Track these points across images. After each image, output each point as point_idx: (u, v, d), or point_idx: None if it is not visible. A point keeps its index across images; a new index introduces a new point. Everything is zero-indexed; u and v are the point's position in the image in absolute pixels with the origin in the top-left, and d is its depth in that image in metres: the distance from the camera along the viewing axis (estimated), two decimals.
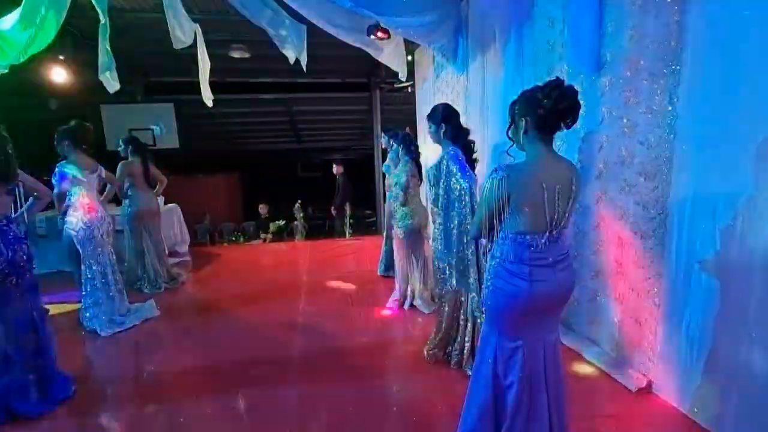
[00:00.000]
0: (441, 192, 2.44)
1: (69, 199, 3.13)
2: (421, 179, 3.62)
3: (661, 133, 2.12)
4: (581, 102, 1.52)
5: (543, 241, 1.52)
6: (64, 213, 3.15)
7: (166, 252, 4.74)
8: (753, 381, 1.75)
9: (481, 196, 1.59)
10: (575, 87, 1.50)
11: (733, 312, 1.82)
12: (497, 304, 1.60)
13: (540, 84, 1.53)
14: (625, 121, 2.31)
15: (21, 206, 2.39)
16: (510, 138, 1.64)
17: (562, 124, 1.51)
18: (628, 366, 2.40)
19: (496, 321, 1.64)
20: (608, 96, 2.42)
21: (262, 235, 8.86)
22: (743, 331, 1.77)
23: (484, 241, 1.73)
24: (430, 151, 4.85)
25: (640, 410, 2.17)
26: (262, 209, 9.38)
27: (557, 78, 1.52)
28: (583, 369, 2.54)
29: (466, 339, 2.51)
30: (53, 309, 2.67)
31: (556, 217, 1.51)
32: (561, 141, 2.82)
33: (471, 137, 2.64)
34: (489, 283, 1.63)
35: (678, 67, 2.00)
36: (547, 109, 1.46)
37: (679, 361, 2.09)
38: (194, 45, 3.94)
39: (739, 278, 1.79)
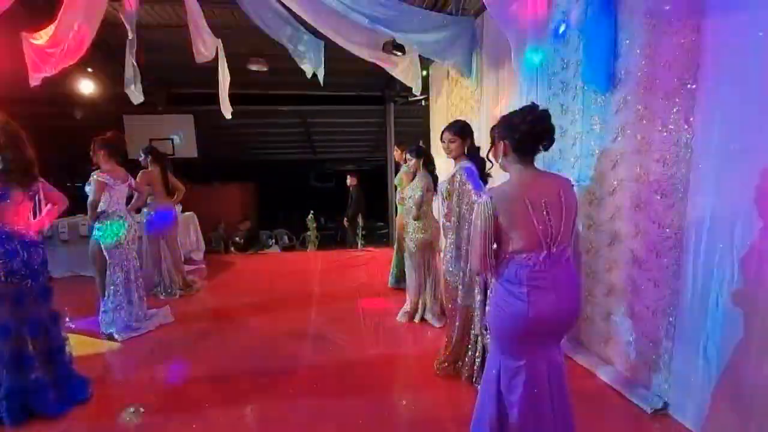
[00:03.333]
0: (454, 206, 2.46)
1: (101, 207, 3.24)
2: (436, 193, 3.64)
3: (677, 151, 2.11)
4: (554, 125, 1.58)
5: (541, 259, 1.52)
6: (96, 220, 3.25)
7: (182, 259, 4.83)
8: None
9: (472, 227, 1.62)
10: (549, 111, 1.57)
11: (753, 333, 1.78)
12: (497, 324, 1.62)
13: (518, 108, 1.62)
14: (639, 138, 2.31)
15: (38, 212, 2.46)
16: (489, 160, 1.72)
17: (540, 146, 1.57)
18: (643, 387, 2.36)
19: (498, 339, 1.66)
20: (623, 113, 2.42)
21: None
22: (763, 353, 1.73)
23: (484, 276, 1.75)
24: (442, 164, 4.88)
25: None
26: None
27: (533, 103, 1.60)
28: (598, 390, 2.49)
29: (477, 354, 2.50)
30: (75, 341, 2.61)
31: (551, 232, 1.52)
32: (575, 158, 2.82)
33: (483, 153, 2.66)
34: (491, 302, 1.66)
35: (694, 86, 2.00)
36: (523, 133, 1.53)
37: (696, 383, 2.04)
38: (215, 58, 4.08)
39: (758, 300, 1.76)
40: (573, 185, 1.66)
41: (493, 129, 1.66)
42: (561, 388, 1.65)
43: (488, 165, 1.81)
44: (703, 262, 1.99)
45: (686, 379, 2.11)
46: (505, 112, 1.67)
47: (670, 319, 2.19)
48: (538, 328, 1.55)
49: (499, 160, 1.64)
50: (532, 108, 1.56)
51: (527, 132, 1.53)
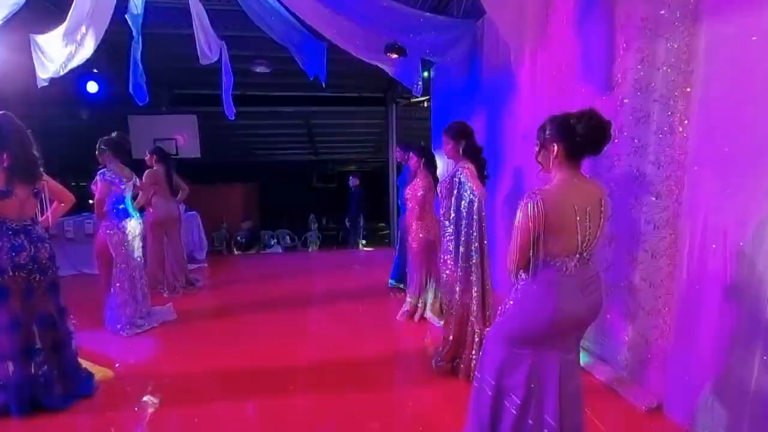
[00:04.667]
0: (452, 205, 2.51)
1: (107, 205, 3.30)
2: (437, 193, 3.68)
3: (672, 153, 2.14)
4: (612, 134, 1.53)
5: (573, 264, 1.51)
6: (103, 218, 3.31)
7: (185, 258, 4.89)
8: (766, 403, 1.73)
9: (516, 223, 1.53)
10: (610, 121, 1.51)
11: (745, 333, 1.81)
12: (520, 324, 1.59)
13: (571, 111, 1.55)
14: (636, 140, 2.35)
15: (45, 209, 2.50)
16: (539, 162, 1.63)
17: (591, 153, 1.53)
18: (638, 385, 2.39)
19: (512, 337, 1.62)
20: (619, 116, 2.45)
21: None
22: (756, 353, 1.76)
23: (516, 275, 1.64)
24: (442, 165, 4.92)
25: (650, 431, 2.15)
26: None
27: (591, 108, 1.52)
28: (594, 388, 2.51)
29: (473, 351, 2.53)
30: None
31: (587, 239, 1.51)
32: None
33: (483, 154, 2.71)
34: (515, 301, 1.61)
35: (689, 89, 2.04)
36: (583, 137, 1.47)
37: (690, 381, 2.07)
38: (219, 60, 4.14)
39: (750, 300, 1.78)
40: (608, 193, 1.64)
41: (541, 131, 1.61)
42: (573, 387, 1.61)
43: (542, 167, 1.70)
44: (697, 263, 2.02)
45: (680, 378, 2.13)
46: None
47: (665, 318, 2.22)
48: (562, 326, 1.54)
49: (551, 163, 1.56)
50: (593, 113, 1.49)
51: (587, 137, 1.47)
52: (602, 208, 1.54)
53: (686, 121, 2.06)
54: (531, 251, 1.50)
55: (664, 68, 2.15)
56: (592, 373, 2.62)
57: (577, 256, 1.51)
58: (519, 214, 1.50)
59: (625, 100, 2.40)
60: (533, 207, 1.44)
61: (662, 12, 2.16)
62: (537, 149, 1.62)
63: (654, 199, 2.25)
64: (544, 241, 1.48)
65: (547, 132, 1.56)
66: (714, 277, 1.94)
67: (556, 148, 1.52)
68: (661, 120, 2.18)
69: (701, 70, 1.98)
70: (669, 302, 2.20)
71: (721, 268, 1.90)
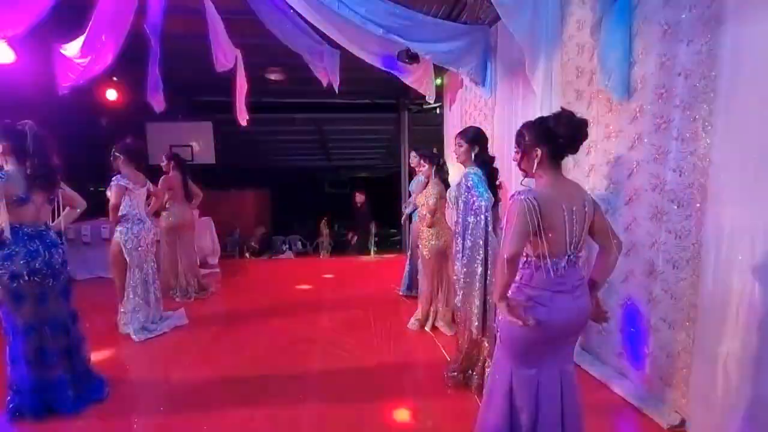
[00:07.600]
0: (461, 212, 2.47)
1: (121, 210, 3.35)
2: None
3: (694, 160, 2.07)
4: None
5: (563, 265, 1.53)
6: (117, 223, 3.37)
7: (198, 263, 4.92)
8: None
9: (513, 217, 1.52)
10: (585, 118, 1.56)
11: None
12: (515, 332, 1.58)
13: (548, 114, 1.60)
14: (656, 147, 2.28)
15: (57, 214, 2.54)
16: (522, 169, 1.66)
17: (570, 151, 1.58)
18: (660, 401, 2.29)
19: (512, 347, 1.63)
20: (638, 122, 2.39)
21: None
22: None
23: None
24: (456, 172, 4.88)
25: None
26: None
27: (564, 109, 1.57)
28: (612, 403, 2.43)
29: (488, 364, 2.47)
30: None
31: (574, 239, 1.54)
32: (589, 166, 2.80)
33: (497, 161, 2.67)
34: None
35: (712, 95, 1.97)
36: (565, 138, 1.52)
37: (716, 398, 1.98)
38: (234, 68, 4.20)
39: None
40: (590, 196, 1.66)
41: (520, 137, 1.62)
42: (573, 398, 1.63)
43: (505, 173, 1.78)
44: (723, 275, 1.94)
45: (705, 395, 2.04)
46: (519, 121, 1.67)
47: (689, 332, 2.13)
48: (556, 331, 1.55)
49: (533, 168, 1.59)
50: (570, 114, 1.53)
51: (568, 139, 1.51)
52: (586, 209, 1.55)
53: (710, 128, 1.99)
54: (524, 249, 1.52)
55: (685, 73, 2.09)
56: (612, 388, 2.53)
57: (566, 257, 1.53)
58: (515, 208, 1.51)
59: (646, 107, 2.34)
60: (526, 205, 1.47)
61: (683, 16, 2.10)
62: (519, 156, 1.65)
63: (676, 207, 2.18)
64: (538, 243, 1.52)
65: (527, 138, 1.59)
66: (740, 289, 1.86)
67: (539, 152, 1.55)
68: (682, 126, 2.12)
69: (726, 75, 1.91)
70: (692, 315, 2.11)
71: (748, 280, 1.82)
